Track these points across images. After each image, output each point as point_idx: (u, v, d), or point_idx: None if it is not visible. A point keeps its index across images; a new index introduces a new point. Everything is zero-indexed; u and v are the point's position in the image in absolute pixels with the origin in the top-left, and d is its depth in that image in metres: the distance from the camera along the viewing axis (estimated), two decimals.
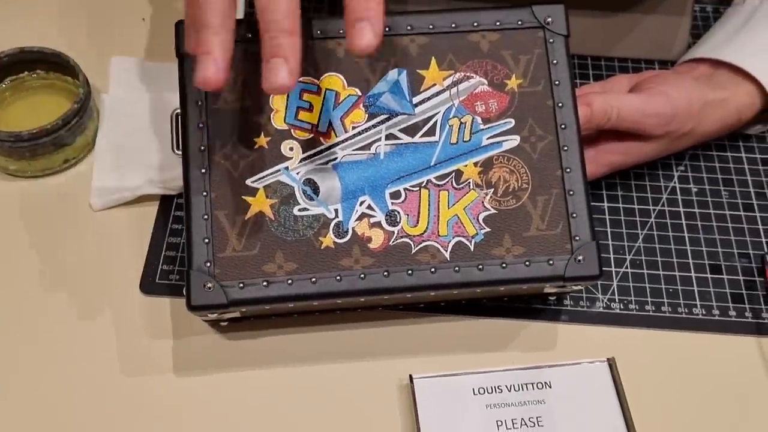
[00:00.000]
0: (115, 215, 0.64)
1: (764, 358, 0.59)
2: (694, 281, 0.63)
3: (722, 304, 0.62)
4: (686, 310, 0.61)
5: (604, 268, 0.55)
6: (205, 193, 0.53)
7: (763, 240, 0.65)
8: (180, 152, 0.55)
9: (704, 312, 0.61)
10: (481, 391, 0.57)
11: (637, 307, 0.61)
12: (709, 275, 0.63)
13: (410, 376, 0.57)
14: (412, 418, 0.55)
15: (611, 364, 0.58)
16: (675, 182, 0.68)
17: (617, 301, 0.62)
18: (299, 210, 0.54)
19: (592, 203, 0.63)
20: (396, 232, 0.54)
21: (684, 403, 0.57)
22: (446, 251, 0.54)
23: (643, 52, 0.75)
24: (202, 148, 0.54)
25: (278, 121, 0.55)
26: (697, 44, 0.71)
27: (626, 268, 0.63)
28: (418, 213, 0.54)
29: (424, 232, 0.54)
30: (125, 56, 0.71)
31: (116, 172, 0.65)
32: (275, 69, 0.46)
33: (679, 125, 0.62)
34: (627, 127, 0.61)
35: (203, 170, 0.54)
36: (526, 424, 0.56)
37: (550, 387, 0.57)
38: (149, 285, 0.61)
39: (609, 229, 0.65)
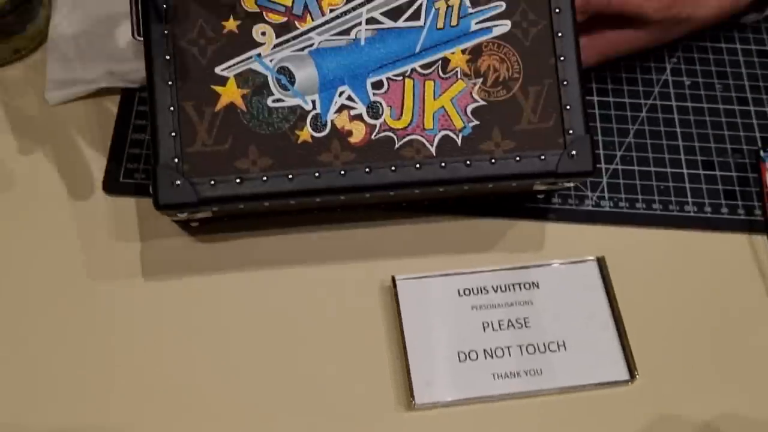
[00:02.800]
0: (74, 110, 0.60)
1: (756, 256, 0.58)
2: (686, 178, 0.60)
3: (714, 201, 0.59)
4: (678, 208, 0.59)
5: None
6: (170, 83, 0.49)
7: (758, 135, 0.62)
8: (141, 38, 0.50)
9: (696, 209, 0.59)
10: (467, 292, 0.54)
11: (628, 205, 0.59)
12: (701, 171, 0.61)
13: (393, 277, 0.54)
14: (396, 320, 0.53)
15: (601, 262, 0.56)
16: (667, 75, 0.65)
17: (607, 198, 0.59)
18: (273, 101, 0.50)
19: None
20: (378, 125, 0.50)
21: (675, 301, 0.56)
22: (432, 146, 0.50)
23: None
24: (166, 32, 0.49)
25: (249, 3, 0.50)
26: None
27: (616, 164, 0.61)
28: (402, 105, 0.50)
29: (409, 125, 0.50)
30: None
31: (72, 64, 0.60)
32: None
33: (678, 10, 0.58)
34: (628, 11, 0.57)
35: (167, 57, 0.49)
36: (513, 325, 0.54)
37: (538, 287, 0.55)
38: (113, 185, 0.57)
39: (599, 124, 0.62)
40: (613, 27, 0.59)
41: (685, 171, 0.61)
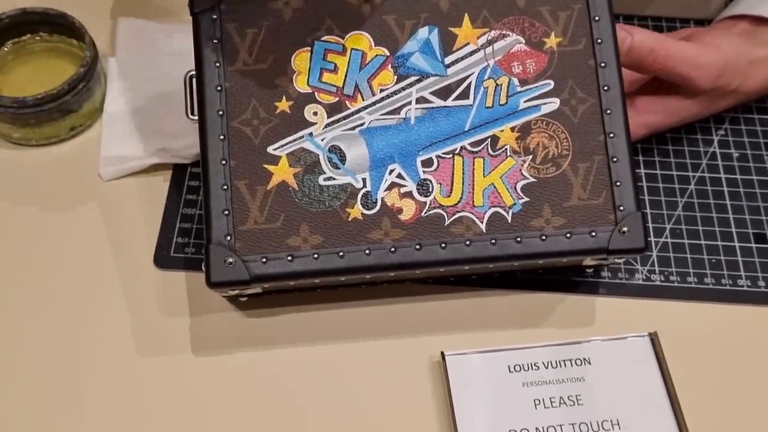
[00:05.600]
0: (126, 185, 0.61)
1: None
2: (738, 251, 0.59)
3: None
4: (730, 282, 0.58)
5: None
6: (223, 162, 0.50)
7: None
8: (195, 117, 0.51)
9: (749, 283, 0.58)
10: (517, 368, 0.54)
11: (679, 279, 0.58)
12: (753, 245, 0.60)
13: (442, 353, 0.54)
14: (445, 397, 0.53)
15: (653, 338, 0.55)
16: (715, 147, 0.64)
17: (657, 272, 0.58)
18: (325, 179, 0.50)
19: None
20: (428, 202, 0.50)
21: (729, 378, 0.55)
22: (482, 223, 0.50)
23: (678, 11, 0.71)
24: (220, 113, 0.50)
25: (301, 84, 0.51)
26: (735, 1, 0.67)
27: (666, 237, 0.60)
28: (452, 182, 0.51)
29: (458, 202, 0.50)
30: (132, 17, 0.67)
31: (126, 140, 0.61)
32: None
33: (727, 80, 0.58)
34: (676, 76, 0.57)
35: (221, 137, 0.50)
36: (564, 402, 0.53)
37: (590, 363, 0.54)
38: (164, 259, 0.58)
39: (647, 197, 0.62)
40: (658, 97, 0.59)
41: (736, 244, 0.60)
